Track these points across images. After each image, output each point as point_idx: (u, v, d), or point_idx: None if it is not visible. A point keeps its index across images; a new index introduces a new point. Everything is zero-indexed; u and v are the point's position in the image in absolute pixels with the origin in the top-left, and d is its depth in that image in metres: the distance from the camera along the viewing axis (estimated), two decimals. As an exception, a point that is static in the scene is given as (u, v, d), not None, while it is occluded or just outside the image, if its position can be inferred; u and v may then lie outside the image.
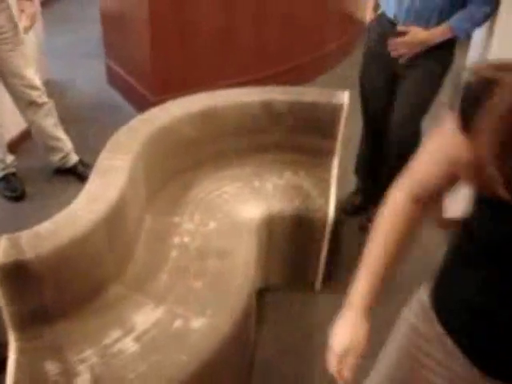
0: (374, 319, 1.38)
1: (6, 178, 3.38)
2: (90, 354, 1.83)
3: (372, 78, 2.97)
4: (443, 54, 2.74)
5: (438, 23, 2.64)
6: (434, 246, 2.94)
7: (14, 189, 3.37)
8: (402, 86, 2.85)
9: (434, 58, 2.73)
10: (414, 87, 2.79)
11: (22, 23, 3.09)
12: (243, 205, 2.54)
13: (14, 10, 3.06)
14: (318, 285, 2.79)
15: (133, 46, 4.17)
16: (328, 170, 2.86)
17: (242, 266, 2.20)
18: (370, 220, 3.22)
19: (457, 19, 2.62)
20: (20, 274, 1.78)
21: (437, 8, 2.62)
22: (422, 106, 2.86)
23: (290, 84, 3.21)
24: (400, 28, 2.71)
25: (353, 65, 3.55)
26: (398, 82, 2.86)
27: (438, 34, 2.66)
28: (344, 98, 2.85)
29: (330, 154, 2.92)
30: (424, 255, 2.91)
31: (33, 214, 3.21)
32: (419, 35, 2.67)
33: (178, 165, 2.68)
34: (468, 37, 2.69)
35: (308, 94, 2.92)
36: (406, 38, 2.69)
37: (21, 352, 1.83)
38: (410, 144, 2.93)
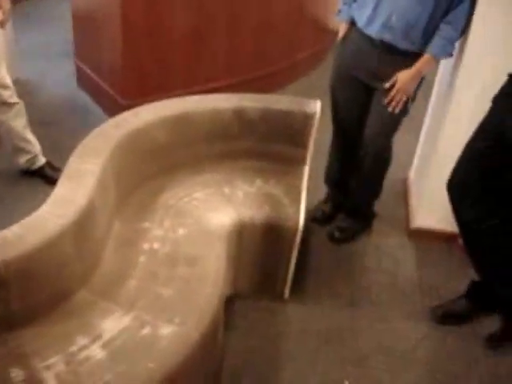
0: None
1: (-30, 178, 3.32)
2: (56, 360, 1.79)
3: (344, 90, 2.98)
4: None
5: (424, 37, 2.65)
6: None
7: (-20, 190, 3.30)
8: (375, 100, 2.86)
9: None
10: (386, 106, 2.81)
11: None
12: (213, 212, 2.52)
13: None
14: (286, 293, 2.79)
15: (104, 47, 4.13)
16: (299, 178, 2.86)
17: (211, 273, 2.19)
18: (338, 229, 3.24)
19: (437, 46, 2.65)
20: (-15, 279, 1.75)
21: (419, 23, 2.62)
22: (394, 123, 2.90)
23: (262, 90, 3.24)
24: (387, 85, 2.74)
25: (325, 73, 3.56)
26: (370, 94, 2.88)
27: (424, 67, 2.70)
28: (316, 106, 2.87)
29: (301, 162, 2.94)
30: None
31: (-2, 216, 3.16)
32: (407, 76, 2.71)
33: (149, 170, 2.66)
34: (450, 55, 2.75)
35: (280, 102, 2.93)
36: (397, 86, 2.72)
37: (-16, 359, 1.79)
38: (381, 158, 2.98)
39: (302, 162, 2.93)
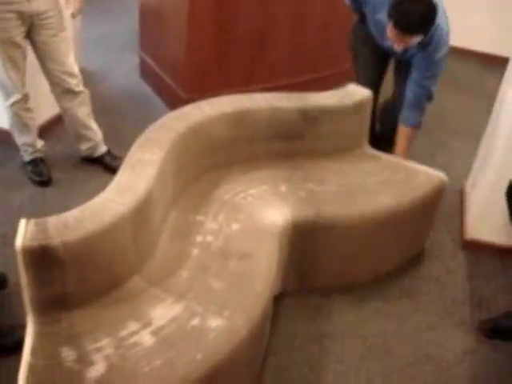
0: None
1: (34, 161, 3.41)
2: (106, 343, 1.84)
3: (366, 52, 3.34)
4: None
5: None
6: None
7: (41, 174, 3.39)
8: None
9: None
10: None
11: (71, 8, 3.12)
12: (268, 209, 2.54)
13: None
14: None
15: (168, 41, 4.19)
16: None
17: (262, 269, 2.21)
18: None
19: (412, 117, 3.13)
20: (45, 259, 1.81)
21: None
22: None
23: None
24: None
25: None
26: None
27: (405, 143, 3.18)
28: (364, 93, 3.09)
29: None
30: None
31: (57, 200, 3.25)
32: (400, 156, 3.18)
33: (207, 164, 2.70)
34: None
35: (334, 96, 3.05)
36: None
37: (38, 336, 1.84)
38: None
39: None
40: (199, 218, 2.45)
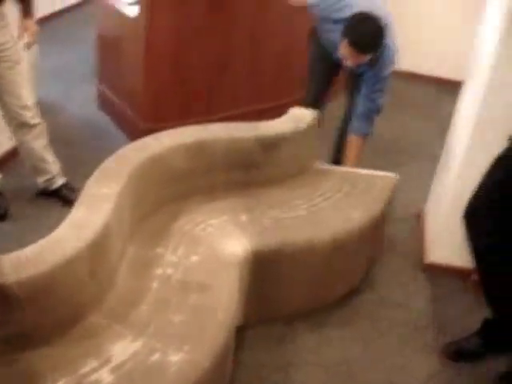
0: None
1: (-11, 196, 3.36)
2: (64, 382, 1.80)
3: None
4: None
5: None
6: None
7: (-3, 207, 3.34)
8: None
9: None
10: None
11: (25, 40, 3.10)
12: (228, 239, 2.53)
13: (14, 28, 3.07)
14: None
15: (126, 72, 4.19)
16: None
17: (223, 301, 2.19)
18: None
19: (363, 127, 3.29)
20: (0, 298, 1.76)
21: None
22: None
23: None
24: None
25: (340, 106, 3.63)
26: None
27: (355, 152, 3.34)
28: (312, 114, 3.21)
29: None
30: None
31: (13, 235, 3.19)
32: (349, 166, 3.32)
33: (166, 195, 2.68)
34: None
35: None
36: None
37: (-6, 376, 1.80)
38: None
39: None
40: (159, 250, 2.43)
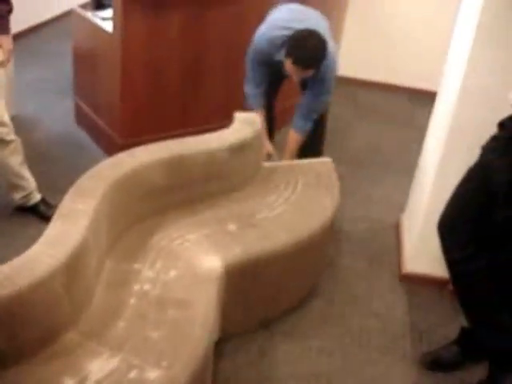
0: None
1: (-35, 213, 3.33)
2: (41, 402, 1.79)
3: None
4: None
5: None
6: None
7: (-27, 225, 3.31)
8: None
9: None
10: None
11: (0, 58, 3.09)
12: (205, 254, 2.52)
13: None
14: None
15: (102, 86, 4.18)
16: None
17: (201, 316, 2.19)
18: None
19: (306, 125, 3.45)
20: (-26, 317, 1.75)
21: None
22: None
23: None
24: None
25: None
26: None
27: (294, 146, 3.50)
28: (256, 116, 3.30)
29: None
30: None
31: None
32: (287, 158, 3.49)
33: (143, 211, 2.68)
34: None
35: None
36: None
37: (-31, 399, 1.78)
38: None
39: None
40: (136, 266, 2.42)
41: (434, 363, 2.77)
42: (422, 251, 3.24)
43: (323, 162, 3.42)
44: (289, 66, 3.14)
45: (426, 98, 5.17)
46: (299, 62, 3.08)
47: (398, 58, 5.85)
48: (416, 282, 3.29)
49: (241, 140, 2.97)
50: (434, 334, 2.96)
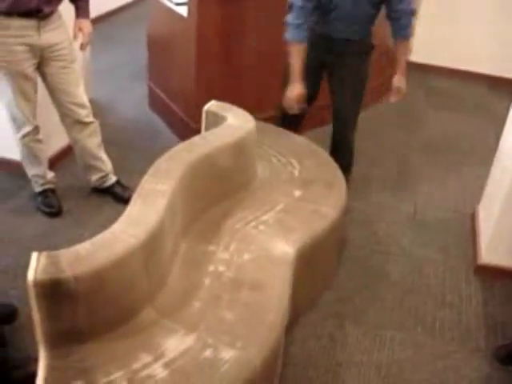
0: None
1: (44, 193, 3.42)
2: (118, 376, 1.82)
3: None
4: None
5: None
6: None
7: (52, 205, 3.40)
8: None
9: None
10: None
11: (79, 41, 3.15)
12: (279, 237, 2.53)
13: (69, 28, 3.13)
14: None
15: (177, 71, 4.22)
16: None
17: (274, 299, 2.19)
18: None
19: (403, 31, 3.25)
20: (57, 292, 1.80)
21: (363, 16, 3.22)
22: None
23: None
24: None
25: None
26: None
27: (404, 56, 3.34)
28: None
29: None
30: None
31: (67, 230, 3.26)
32: (402, 74, 3.31)
33: (217, 193, 2.70)
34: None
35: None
36: (400, 85, 3.31)
37: (50, 370, 1.83)
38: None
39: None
40: (211, 247, 2.45)
41: (508, 357, 2.69)
42: (499, 243, 3.14)
43: (317, 149, 3.38)
44: None
45: (507, 88, 5.05)
46: None
47: (477, 46, 5.68)
48: (491, 274, 3.20)
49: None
50: (509, 328, 2.87)
